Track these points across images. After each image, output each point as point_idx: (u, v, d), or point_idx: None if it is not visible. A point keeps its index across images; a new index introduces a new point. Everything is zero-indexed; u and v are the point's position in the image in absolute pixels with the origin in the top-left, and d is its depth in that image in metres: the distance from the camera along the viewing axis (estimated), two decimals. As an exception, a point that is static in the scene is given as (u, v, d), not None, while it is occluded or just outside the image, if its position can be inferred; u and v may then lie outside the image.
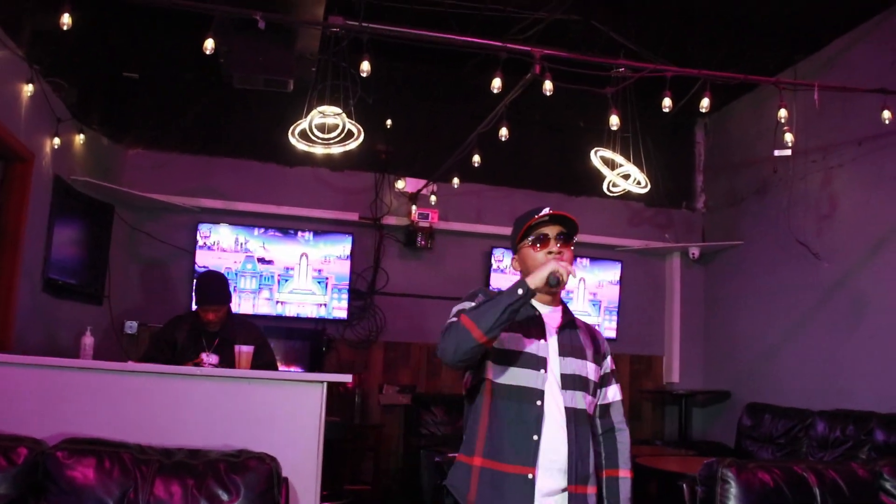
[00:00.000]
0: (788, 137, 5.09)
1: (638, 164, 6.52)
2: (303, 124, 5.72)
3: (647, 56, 6.75)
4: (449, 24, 6.47)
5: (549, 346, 2.68)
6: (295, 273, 7.50)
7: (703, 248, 8.41)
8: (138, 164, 7.30)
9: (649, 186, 6.50)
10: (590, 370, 2.73)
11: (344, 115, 5.60)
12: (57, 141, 5.88)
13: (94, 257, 6.73)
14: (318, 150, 5.67)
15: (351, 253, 7.61)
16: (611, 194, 6.74)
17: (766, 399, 7.10)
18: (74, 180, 6.33)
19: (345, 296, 7.60)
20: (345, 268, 7.59)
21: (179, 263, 7.34)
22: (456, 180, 7.36)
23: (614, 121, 5.02)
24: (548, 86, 4.38)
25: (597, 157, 6.36)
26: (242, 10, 4.14)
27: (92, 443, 3.21)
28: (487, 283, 8.01)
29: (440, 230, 7.87)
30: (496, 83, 4.41)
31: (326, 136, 5.74)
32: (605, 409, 2.84)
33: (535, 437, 2.55)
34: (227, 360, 4.60)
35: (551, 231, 2.71)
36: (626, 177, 6.42)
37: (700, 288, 8.68)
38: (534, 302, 2.71)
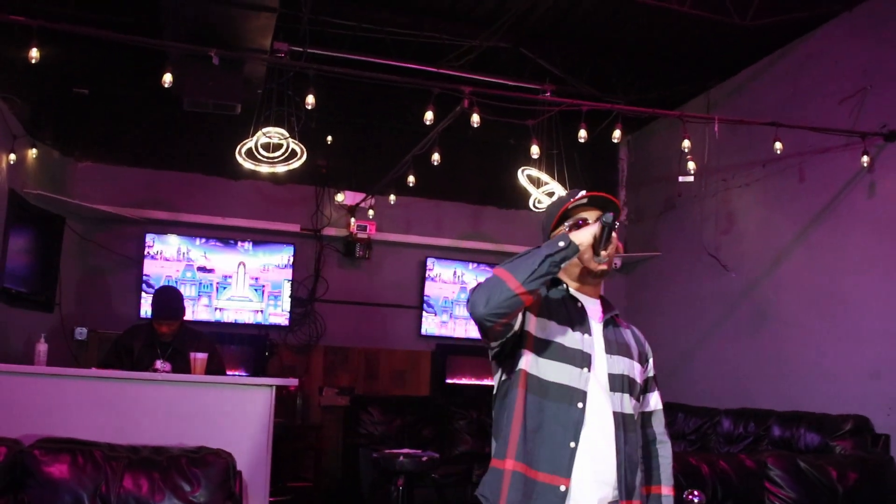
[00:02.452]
0: (691, 165, 5.65)
1: (564, 180, 7.03)
2: (249, 144, 6.12)
3: (571, 82, 7.28)
4: (388, 50, 6.90)
5: (594, 342, 2.39)
6: (233, 281, 7.85)
7: (624, 259, 8.97)
8: (88, 176, 7.58)
9: (572, 203, 7.00)
10: (636, 372, 2.45)
11: (288, 136, 6.02)
12: (13, 157, 6.18)
13: (45, 267, 7.01)
14: (264, 169, 6.08)
15: (293, 262, 8.00)
16: (536, 210, 7.24)
17: (682, 399, 7.63)
18: (27, 193, 6.61)
19: (281, 303, 7.98)
20: (282, 276, 7.97)
21: (127, 272, 7.64)
22: (392, 196, 7.81)
23: (535, 150, 5.51)
24: (475, 118, 4.85)
25: (523, 175, 6.86)
26: (197, 48, 4.51)
27: (66, 442, 3.59)
28: (422, 291, 8.47)
29: (377, 241, 8.30)
30: (428, 116, 4.87)
31: (271, 154, 6.15)
32: (648, 417, 2.58)
33: (573, 445, 2.25)
34: (180, 368, 4.96)
35: (590, 215, 2.44)
36: (551, 194, 6.91)
37: (622, 296, 9.22)
38: (575, 293, 2.47)
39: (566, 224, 2.45)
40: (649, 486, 2.49)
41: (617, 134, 5.27)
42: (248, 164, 6.08)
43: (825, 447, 5.51)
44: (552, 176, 7.02)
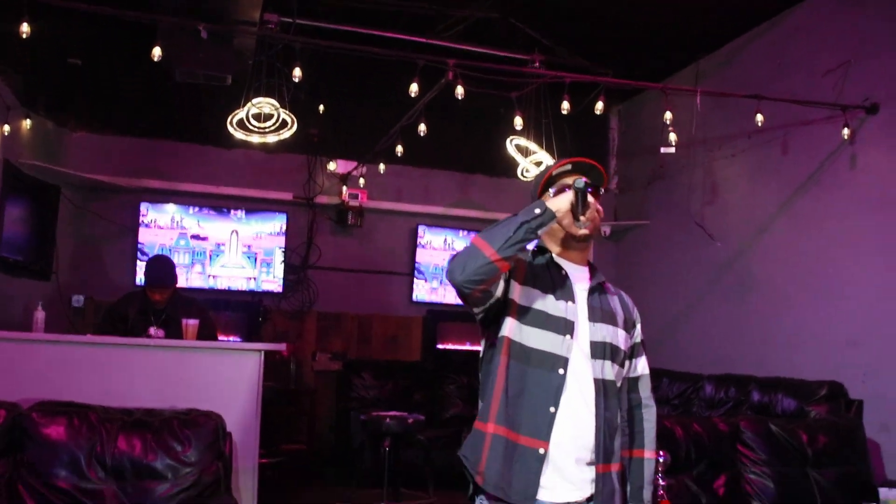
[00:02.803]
0: (672, 137, 5.76)
1: (553, 149, 7.11)
2: (240, 114, 6.21)
3: (560, 53, 7.34)
4: (378, 20, 6.95)
5: (577, 309, 2.42)
6: (226, 248, 8.00)
7: (614, 227, 9.10)
8: (83, 146, 7.70)
9: (560, 172, 7.11)
10: (620, 338, 2.47)
11: (279, 106, 6.11)
12: (7, 128, 6.28)
13: (41, 235, 7.15)
14: (255, 140, 6.17)
15: (286, 230, 8.13)
16: (524, 179, 7.34)
17: (668, 365, 7.77)
18: (22, 164, 6.73)
19: (273, 269, 8.13)
20: (274, 243, 8.12)
21: (122, 240, 7.79)
22: (382, 166, 7.91)
23: (518, 121, 5.61)
24: (459, 90, 4.95)
25: (512, 145, 6.95)
26: (186, 21, 4.60)
27: (62, 405, 3.74)
28: (413, 258, 8.61)
29: (369, 209, 8.43)
30: (413, 88, 4.97)
31: (262, 124, 6.25)
32: (634, 382, 2.60)
33: (552, 409, 2.30)
34: (173, 334, 5.11)
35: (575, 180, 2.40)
36: (539, 163, 7.01)
37: (611, 263, 9.34)
38: (559, 260, 2.49)
39: (550, 190, 2.47)
40: (631, 450, 2.54)
41: (600, 106, 5.37)
42: (239, 135, 6.17)
43: (801, 412, 5.66)
44: (541, 145, 7.11)
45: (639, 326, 2.64)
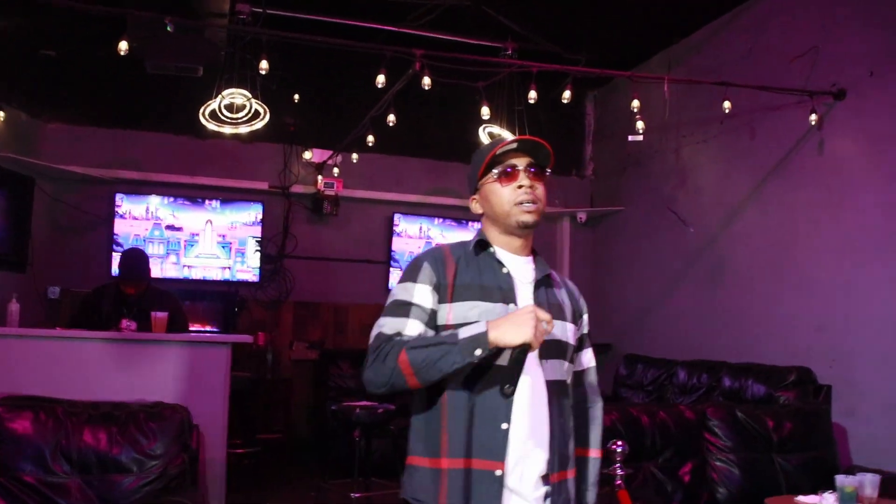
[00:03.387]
0: (640, 125, 5.80)
1: (531, 134, 7.12)
2: (212, 105, 6.22)
3: (533, 39, 7.35)
4: (349, 9, 6.96)
5: None
6: (200, 239, 8.00)
7: (589, 213, 9.14)
8: (57, 138, 7.67)
9: (533, 160, 7.15)
10: (569, 333, 2.29)
11: (251, 96, 6.12)
12: (-20, 120, 6.28)
13: (16, 227, 7.15)
14: (227, 131, 6.18)
15: (262, 219, 8.14)
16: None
17: (642, 351, 7.86)
18: (-3, 156, 6.73)
19: (249, 259, 8.15)
20: (249, 233, 8.13)
21: (98, 231, 7.77)
22: (355, 155, 7.93)
23: (485, 111, 5.63)
24: (426, 81, 4.97)
25: (485, 133, 6.98)
26: (154, 15, 4.60)
27: (28, 399, 3.77)
28: (389, 247, 8.63)
29: (345, 197, 8.43)
30: (380, 79, 4.99)
31: (235, 115, 6.26)
32: (579, 376, 2.41)
33: (504, 426, 2.10)
34: (145, 326, 5.12)
35: (520, 162, 2.25)
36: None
37: (588, 249, 9.41)
38: (502, 254, 2.28)
39: (494, 172, 2.26)
40: (579, 449, 2.34)
41: (567, 94, 5.39)
42: (211, 126, 6.19)
43: (770, 398, 5.75)
44: (516, 132, 7.13)
45: (585, 317, 2.45)
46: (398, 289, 2.24)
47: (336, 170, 8.17)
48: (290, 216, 8.39)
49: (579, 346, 2.39)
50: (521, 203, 2.22)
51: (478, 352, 1.98)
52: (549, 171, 2.31)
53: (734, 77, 6.11)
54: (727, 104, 5.75)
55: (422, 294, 2.19)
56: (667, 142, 7.74)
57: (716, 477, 4.68)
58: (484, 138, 6.98)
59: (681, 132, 7.59)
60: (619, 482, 3.23)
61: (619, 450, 3.27)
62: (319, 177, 8.26)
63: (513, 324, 1.98)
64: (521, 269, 2.28)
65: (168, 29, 4.49)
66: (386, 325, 2.15)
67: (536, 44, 7.38)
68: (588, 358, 2.45)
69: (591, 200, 9.45)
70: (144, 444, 3.68)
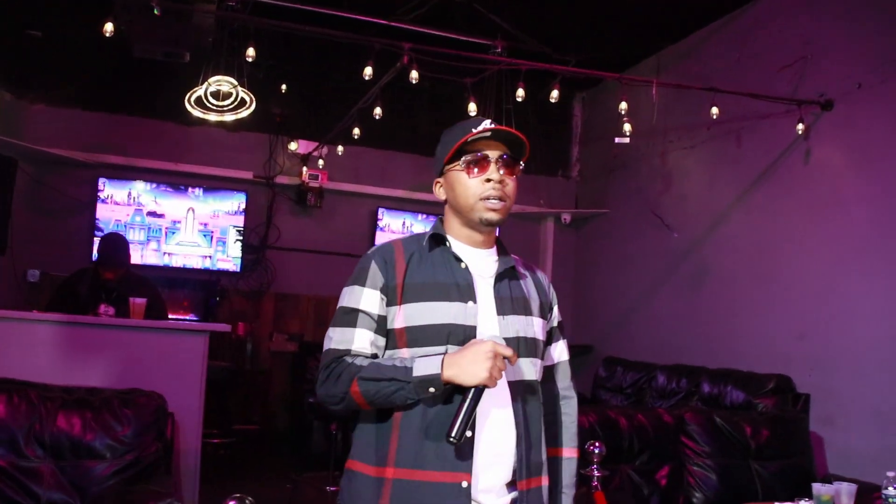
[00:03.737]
0: (627, 128, 5.80)
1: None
2: (198, 92, 6.18)
3: (522, 39, 7.35)
4: (341, 1, 6.92)
5: (478, 309, 2.05)
6: (182, 226, 7.95)
7: (574, 214, 9.14)
8: (41, 119, 7.59)
9: (519, 158, 7.15)
10: (537, 328, 2.15)
11: (237, 85, 6.08)
12: (-38, 100, 6.21)
13: (-4, 209, 7.07)
14: (212, 118, 6.14)
15: (245, 209, 8.10)
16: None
17: (622, 354, 7.88)
18: (-22, 135, 6.66)
19: (230, 248, 8.10)
20: (231, 222, 8.09)
21: (79, 215, 7.71)
22: (340, 147, 7.89)
23: (472, 107, 5.61)
24: (414, 75, 4.97)
25: (473, 131, 6.95)
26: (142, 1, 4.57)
27: (1, 382, 3.71)
28: (373, 241, 8.60)
29: (329, 190, 8.40)
30: (368, 71, 4.97)
31: (221, 103, 6.22)
32: (549, 371, 2.26)
33: (469, 434, 1.92)
34: (123, 312, 5.09)
35: (493, 153, 2.07)
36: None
37: (571, 251, 9.42)
38: (459, 247, 2.14)
39: (463, 159, 2.08)
40: (550, 448, 2.19)
41: (555, 94, 5.39)
42: (197, 113, 6.15)
43: (749, 404, 5.76)
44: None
45: (556, 308, 2.29)
46: (346, 293, 2.12)
47: (321, 162, 8.13)
48: (274, 207, 8.35)
49: (549, 340, 2.25)
50: (488, 198, 2.06)
51: (431, 389, 1.89)
52: (521, 164, 2.12)
53: (722, 84, 6.11)
54: (715, 110, 5.78)
55: (369, 300, 2.07)
56: (654, 146, 7.75)
57: (692, 482, 4.68)
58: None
59: (668, 137, 7.60)
60: (595, 483, 3.22)
61: (596, 451, 3.26)
62: (304, 168, 8.23)
63: (470, 362, 1.87)
64: (481, 263, 2.14)
65: (155, 12, 4.43)
66: (334, 338, 2.06)
67: (526, 43, 7.38)
68: (559, 352, 2.29)
69: (576, 202, 9.46)
70: (118, 431, 3.64)
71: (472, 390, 1.87)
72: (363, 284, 2.08)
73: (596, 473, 3.25)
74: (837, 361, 5.61)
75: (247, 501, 1.92)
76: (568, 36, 7.62)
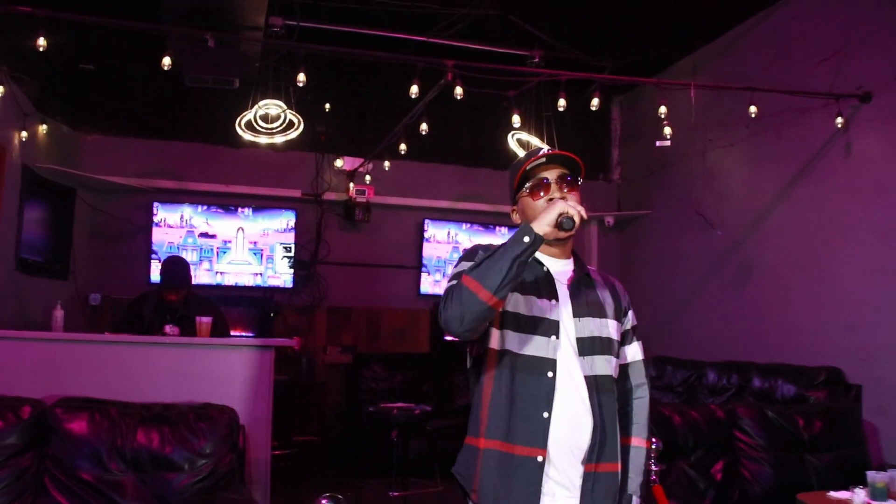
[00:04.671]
0: (667, 131, 5.91)
1: (559, 140, 7.26)
2: (248, 116, 6.40)
3: (559, 47, 7.49)
4: (380, 21, 7.12)
5: (560, 308, 2.32)
6: (232, 245, 8.19)
7: (617, 217, 9.24)
8: (96, 149, 7.89)
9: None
10: (611, 329, 2.38)
11: (285, 107, 6.29)
12: (24, 134, 6.49)
13: (59, 236, 7.36)
14: (263, 140, 6.36)
15: (295, 226, 8.32)
16: (526, 172, 7.47)
17: (671, 352, 7.94)
18: (40, 167, 6.93)
19: (279, 265, 8.33)
20: (279, 239, 8.32)
21: (136, 239, 7.99)
22: (387, 163, 8.11)
23: (516, 119, 5.77)
24: (458, 91, 5.11)
25: (513, 139, 7.11)
26: (194, 31, 4.78)
27: (84, 401, 3.93)
28: (420, 252, 8.78)
29: (376, 204, 8.60)
30: (414, 89, 5.14)
31: (270, 125, 6.43)
32: (625, 370, 2.48)
33: (546, 415, 2.21)
34: (188, 331, 5.29)
35: (551, 174, 2.34)
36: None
37: (615, 252, 9.51)
38: (539, 255, 2.36)
39: (526, 186, 2.36)
40: (622, 438, 2.39)
41: (595, 102, 5.51)
42: (247, 136, 6.36)
43: (801, 397, 5.81)
44: (544, 136, 7.25)
45: (630, 313, 2.51)
46: (459, 265, 2.30)
47: (368, 177, 8.32)
48: (323, 223, 8.55)
49: (623, 342, 2.45)
50: None
51: (526, 238, 2.08)
52: (580, 180, 2.35)
53: (759, 81, 6.20)
54: (753, 109, 5.86)
55: None
56: (693, 146, 7.82)
57: (748, 475, 4.75)
58: (513, 144, 7.11)
59: (707, 136, 7.67)
60: (654, 478, 3.34)
61: (653, 446, 3.38)
62: (351, 184, 8.43)
63: (545, 211, 2.14)
64: (560, 269, 2.38)
65: (209, 44, 4.64)
66: (453, 276, 2.25)
67: (562, 51, 7.50)
68: (633, 352, 2.50)
69: (618, 204, 9.55)
70: (195, 444, 3.84)
71: (564, 222, 2.12)
72: (472, 259, 2.23)
73: (654, 468, 3.37)
74: (889, 351, 5.64)
75: (339, 497, 2.06)
76: (603, 41, 7.74)
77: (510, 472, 2.22)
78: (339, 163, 8.45)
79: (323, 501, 2.08)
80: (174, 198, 8.03)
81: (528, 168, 2.33)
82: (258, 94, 6.47)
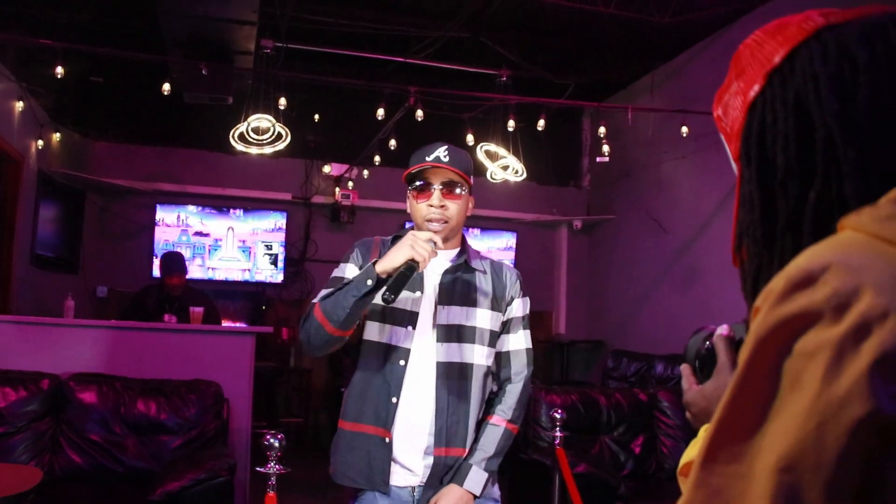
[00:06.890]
0: (605, 149, 6.65)
1: (530, 149, 7.94)
2: (241, 128, 7.14)
3: (526, 67, 8.19)
4: (361, 42, 7.84)
5: (423, 298, 2.39)
6: (223, 244, 8.94)
7: (585, 221, 9.96)
8: (105, 155, 8.66)
9: (525, 174, 7.99)
10: (480, 317, 2.41)
11: (274, 121, 7.03)
12: (40, 142, 7.25)
13: (70, 234, 8.17)
14: (254, 151, 7.10)
15: (285, 226, 9.07)
16: (493, 181, 8.22)
17: (628, 346, 8.65)
18: (53, 172, 7.70)
19: (259, 262, 9.06)
20: (269, 238, 9.06)
21: (140, 237, 8.74)
22: (366, 171, 8.84)
23: (469, 139, 6.48)
24: (419, 114, 5.85)
25: (481, 151, 7.82)
26: (192, 62, 5.54)
27: (93, 376, 4.71)
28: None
29: (360, 207, 9.31)
30: (380, 113, 5.89)
31: (260, 137, 7.17)
32: (502, 358, 2.52)
33: (394, 400, 2.32)
34: (184, 320, 6.05)
35: (435, 178, 2.36)
36: (506, 167, 7.88)
37: (584, 254, 10.22)
38: None
39: (413, 185, 2.39)
40: (485, 416, 2.48)
41: (541, 123, 6.24)
42: (240, 147, 7.09)
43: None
44: (516, 147, 7.84)
45: (516, 301, 2.53)
46: (335, 270, 2.46)
47: (350, 183, 9.05)
48: (311, 224, 9.29)
49: (504, 330, 2.51)
50: (430, 221, 2.34)
51: (369, 282, 2.16)
52: (465, 190, 2.40)
53: (706, 99, 6.85)
54: (685, 129, 6.58)
55: (349, 271, 2.42)
56: (650, 157, 8.55)
57: (665, 450, 5.49)
58: (481, 156, 7.79)
59: (662, 148, 8.37)
60: (557, 442, 4.06)
61: (558, 416, 4.10)
62: (337, 188, 9.16)
63: (394, 250, 2.18)
64: (437, 261, 2.39)
65: (203, 73, 5.39)
66: (318, 297, 2.36)
67: (529, 70, 8.19)
68: (514, 341, 2.52)
69: (587, 209, 10.25)
70: (186, 412, 4.61)
71: (405, 269, 2.15)
72: (347, 261, 2.45)
73: (558, 434, 4.08)
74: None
75: (280, 435, 2.70)
76: (568, 61, 8.40)
77: (358, 449, 2.35)
78: (326, 168, 9.15)
79: (268, 436, 2.69)
80: (175, 200, 8.77)
81: (414, 171, 2.36)
82: (250, 109, 7.18)
